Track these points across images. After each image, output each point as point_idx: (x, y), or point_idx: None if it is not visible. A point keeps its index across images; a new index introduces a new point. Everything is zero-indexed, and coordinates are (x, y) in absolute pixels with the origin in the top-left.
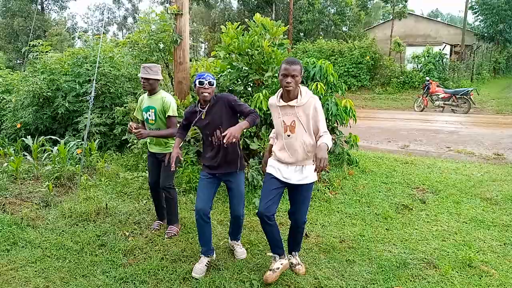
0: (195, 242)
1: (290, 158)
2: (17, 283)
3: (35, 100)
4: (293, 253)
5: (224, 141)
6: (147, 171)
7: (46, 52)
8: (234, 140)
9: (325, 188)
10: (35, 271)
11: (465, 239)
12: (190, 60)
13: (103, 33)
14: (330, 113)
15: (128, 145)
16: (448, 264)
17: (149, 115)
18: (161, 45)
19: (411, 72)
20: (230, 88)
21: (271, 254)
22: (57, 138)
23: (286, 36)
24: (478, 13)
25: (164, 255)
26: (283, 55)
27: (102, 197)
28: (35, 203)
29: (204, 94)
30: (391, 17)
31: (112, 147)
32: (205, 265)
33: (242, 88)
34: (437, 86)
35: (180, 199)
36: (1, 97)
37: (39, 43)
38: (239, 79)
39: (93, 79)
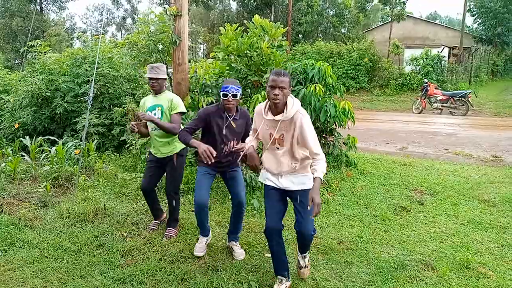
0: (193, 243)
1: (280, 169)
2: (14, 283)
3: (33, 100)
4: (303, 254)
5: (233, 149)
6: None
7: (45, 52)
8: (242, 151)
9: (323, 189)
10: (33, 272)
11: (462, 241)
12: (189, 61)
13: (102, 34)
14: (328, 114)
15: (127, 146)
16: (445, 266)
17: (155, 113)
18: (160, 46)
19: (410, 74)
20: None
21: (269, 255)
22: (55, 139)
23: (285, 38)
24: (476, 16)
25: (162, 256)
26: (282, 56)
27: (100, 198)
28: (33, 204)
29: (228, 106)
30: (390, 19)
31: (110, 148)
32: (205, 243)
33: (241, 89)
34: (435, 88)
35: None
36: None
37: (37, 43)
38: (238, 81)
39: (92, 80)
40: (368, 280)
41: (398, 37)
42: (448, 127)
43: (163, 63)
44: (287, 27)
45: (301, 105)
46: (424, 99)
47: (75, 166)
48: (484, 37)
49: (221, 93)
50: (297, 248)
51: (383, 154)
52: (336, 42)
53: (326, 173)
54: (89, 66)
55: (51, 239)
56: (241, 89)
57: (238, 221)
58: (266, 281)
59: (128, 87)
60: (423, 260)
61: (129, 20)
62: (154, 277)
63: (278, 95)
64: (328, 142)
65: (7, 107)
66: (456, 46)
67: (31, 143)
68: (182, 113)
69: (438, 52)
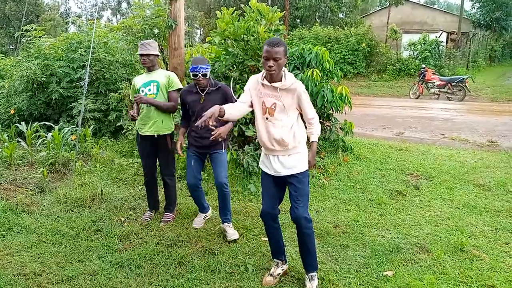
0: (191, 227)
1: (270, 142)
2: (13, 267)
3: (28, 85)
4: (310, 274)
5: (211, 138)
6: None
7: (40, 37)
8: (220, 139)
9: (320, 174)
10: (31, 256)
11: (457, 224)
12: (185, 46)
13: (96, 19)
14: (325, 99)
15: (123, 131)
16: (440, 249)
17: (149, 89)
18: (156, 31)
19: (407, 59)
20: (226, 74)
21: (266, 239)
22: (51, 124)
23: (282, 22)
24: (475, 1)
25: (159, 240)
26: None
27: (97, 183)
28: (30, 189)
29: (199, 84)
30: (388, 4)
31: (107, 133)
32: (203, 218)
33: (238, 74)
34: (433, 73)
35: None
36: None
37: (32, 27)
38: (234, 65)
39: (87, 65)
40: (363, 263)
41: (396, 22)
42: (445, 113)
43: (159, 47)
44: (285, 12)
45: None
46: (422, 84)
47: (71, 151)
48: (482, 22)
49: (191, 73)
50: (302, 263)
51: (379, 139)
52: (334, 27)
53: (322, 158)
54: (85, 51)
55: (49, 224)
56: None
57: (224, 202)
58: (263, 264)
59: (124, 72)
60: (418, 243)
61: (124, 5)
62: (152, 261)
63: (273, 66)
64: (325, 128)
65: (2, 92)
66: (454, 31)
67: (27, 129)
68: (179, 90)
69: (436, 37)
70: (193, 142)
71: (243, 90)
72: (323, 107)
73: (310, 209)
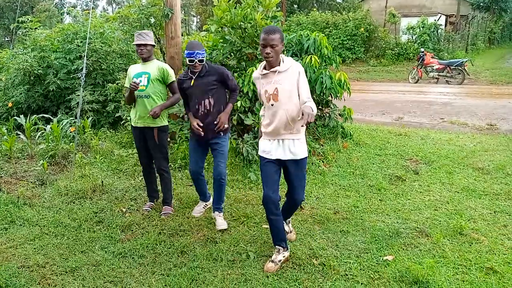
0: (192, 216)
1: (276, 128)
2: (17, 260)
3: (26, 78)
4: (286, 220)
5: (216, 129)
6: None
7: (35, 28)
8: (225, 126)
9: (320, 161)
10: (34, 248)
11: (456, 208)
12: (182, 35)
13: (92, 8)
14: (324, 86)
15: (122, 122)
16: (439, 233)
17: (140, 80)
18: (152, 20)
19: (406, 43)
20: (223, 63)
21: (267, 226)
22: (50, 117)
23: (279, 9)
24: None
25: (161, 230)
26: None
27: (97, 175)
28: (31, 182)
29: (194, 69)
30: None
31: (106, 125)
32: (203, 207)
33: (236, 62)
34: (432, 57)
35: (176, 174)
36: None
37: (28, 19)
38: (232, 53)
39: (84, 56)
40: (363, 248)
41: (395, 5)
42: (444, 96)
43: (156, 37)
44: None
45: None
46: (421, 68)
47: (71, 143)
48: (481, 3)
49: (187, 59)
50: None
51: (379, 125)
52: (332, 12)
53: (322, 145)
54: (81, 42)
55: (51, 217)
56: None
57: (219, 192)
58: (264, 252)
59: (121, 62)
60: (418, 227)
61: None
62: (154, 251)
63: (270, 53)
64: (324, 114)
65: None
66: (453, 14)
67: (25, 122)
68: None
69: (435, 20)
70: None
71: (241, 79)
72: (321, 94)
73: (310, 196)
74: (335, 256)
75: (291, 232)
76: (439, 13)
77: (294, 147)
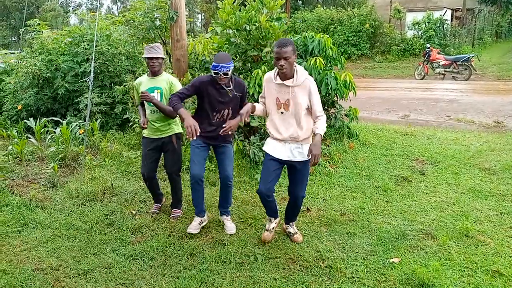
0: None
1: (284, 134)
2: (31, 262)
3: (34, 81)
4: (291, 223)
5: (221, 132)
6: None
7: (42, 31)
8: (230, 132)
9: (326, 162)
10: (48, 251)
11: (462, 210)
12: (188, 34)
13: (98, 9)
14: (329, 87)
15: (130, 124)
16: (445, 235)
17: (153, 96)
18: (158, 23)
19: (412, 39)
20: None
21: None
22: (59, 119)
23: (283, 10)
24: None
25: (170, 232)
26: (281, 29)
27: (107, 177)
28: (42, 184)
29: (220, 82)
30: None
31: (114, 126)
32: (199, 223)
33: (241, 64)
34: (438, 53)
35: (184, 176)
36: (0, 79)
37: (36, 22)
38: (237, 55)
39: (92, 58)
40: (370, 250)
41: (400, 0)
42: (451, 93)
43: (162, 39)
44: None
45: None
46: (427, 64)
47: (80, 146)
48: None
49: (212, 71)
50: (285, 219)
51: (385, 124)
52: (337, 8)
53: (328, 146)
54: (88, 44)
55: (63, 219)
56: (240, 63)
57: (226, 195)
58: (272, 254)
59: (128, 64)
60: (424, 229)
61: None
62: (164, 253)
63: (284, 65)
64: (330, 115)
65: (9, 88)
66: (459, 8)
67: (35, 125)
68: None
69: (441, 15)
70: (202, 133)
71: (246, 81)
72: (327, 95)
73: (317, 198)
74: (342, 259)
75: (296, 233)
76: (444, 7)
77: (300, 149)
